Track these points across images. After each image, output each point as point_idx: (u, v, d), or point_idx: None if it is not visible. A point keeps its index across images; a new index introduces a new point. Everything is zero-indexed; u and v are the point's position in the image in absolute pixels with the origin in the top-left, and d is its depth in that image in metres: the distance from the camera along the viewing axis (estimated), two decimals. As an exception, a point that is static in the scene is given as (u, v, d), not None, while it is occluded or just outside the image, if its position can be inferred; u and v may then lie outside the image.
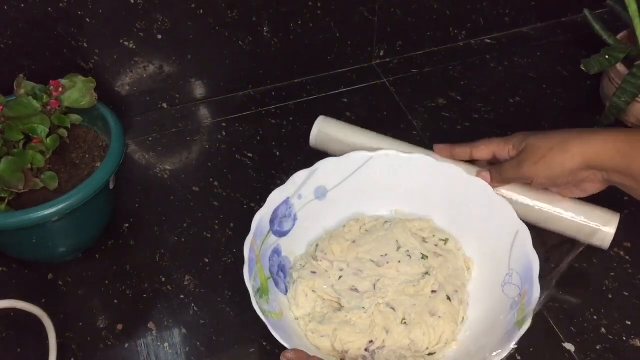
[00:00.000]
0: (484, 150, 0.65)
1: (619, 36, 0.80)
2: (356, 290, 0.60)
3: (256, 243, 0.59)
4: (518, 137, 0.62)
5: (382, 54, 0.90)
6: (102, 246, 0.68)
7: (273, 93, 0.86)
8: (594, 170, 0.58)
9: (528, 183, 0.62)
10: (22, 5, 0.68)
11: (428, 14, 0.88)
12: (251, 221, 0.70)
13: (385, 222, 0.66)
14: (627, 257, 0.66)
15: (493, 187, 0.63)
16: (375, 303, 0.59)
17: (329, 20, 0.83)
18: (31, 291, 0.64)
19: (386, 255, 0.62)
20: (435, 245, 0.64)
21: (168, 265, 0.66)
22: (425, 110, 0.83)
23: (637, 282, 0.64)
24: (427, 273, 0.61)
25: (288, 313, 0.59)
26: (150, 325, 0.62)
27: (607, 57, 0.75)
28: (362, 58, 0.89)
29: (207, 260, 0.67)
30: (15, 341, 0.60)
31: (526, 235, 0.59)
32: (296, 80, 0.88)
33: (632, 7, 0.75)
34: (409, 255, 0.62)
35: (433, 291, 0.60)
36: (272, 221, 0.62)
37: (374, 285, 0.60)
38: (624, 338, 0.60)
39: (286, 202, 0.63)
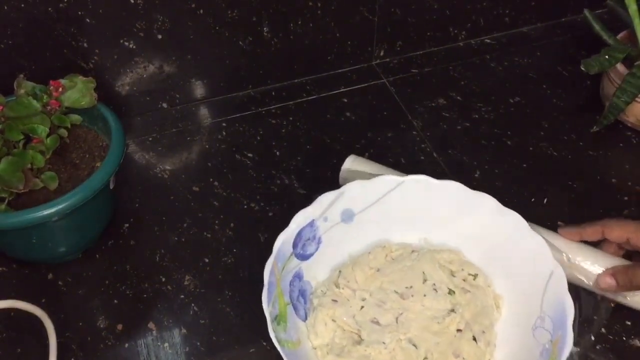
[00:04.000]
0: (617, 231, 0.58)
1: (619, 36, 0.80)
2: (377, 322, 0.57)
3: (277, 266, 0.56)
4: None
5: (382, 54, 0.90)
6: (102, 246, 0.68)
7: (273, 93, 0.86)
8: None
9: None
10: (22, 5, 0.68)
11: (428, 14, 0.88)
12: (251, 221, 0.70)
13: (413, 251, 0.63)
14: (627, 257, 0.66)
15: (616, 292, 0.57)
16: (396, 338, 0.55)
17: (329, 20, 0.83)
18: (31, 291, 0.64)
19: (411, 287, 0.59)
20: (464, 280, 0.60)
21: (168, 265, 0.66)
22: (425, 110, 0.83)
23: (637, 282, 0.64)
24: (453, 310, 0.57)
25: (306, 341, 0.57)
26: (150, 325, 0.62)
27: (607, 57, 0.75)
28: (362, 58, 0.89)
29: (207, 260, 0.67)
30: (15, 341, 0.60)
31: (561, 278, 0.55)
32: (296, 80, 0.88)
33: (632, 7, 0.75)
34: (435, 289, 0.59)
35: (458, 330, 0.57)
36: (295, 244, 0.59)
37: (397, 319, 0.57)
38: (624, 338, 0.60)
39: (311, 224, 0.60)
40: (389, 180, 0.62)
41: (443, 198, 0.62)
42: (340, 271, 0.61)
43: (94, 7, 0.71)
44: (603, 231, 0.59)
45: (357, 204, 0.62)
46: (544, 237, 0.58)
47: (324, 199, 0.61)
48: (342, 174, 0.69)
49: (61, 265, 0.66)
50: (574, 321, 0.53)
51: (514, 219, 0.59)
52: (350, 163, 0.69)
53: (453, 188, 0.62)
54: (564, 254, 0.60)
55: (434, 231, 0.64)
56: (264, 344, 0.60)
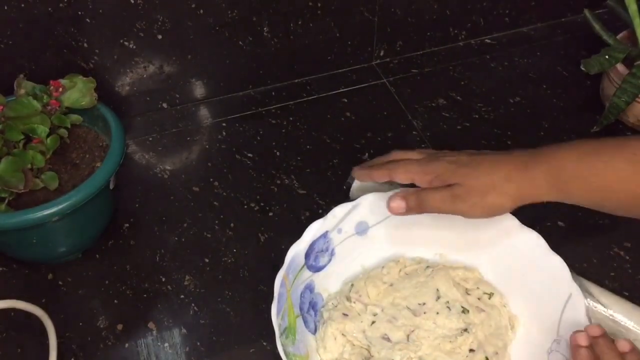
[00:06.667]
0: (403, 175, 0.58)
1: (619, 36, 0.80)
2: (388, 339, 0.56)
3: (288, 278, 0.55)
4: (443, 169, 0.56)
5: (382, 54, 0.90)
6: (102, 246, 0.68)
7: (273, 93, 0.86)
8: (533, 201, 0.55)
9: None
10: (22, 5, 0.68)
11: (428, 14, 0.88)
12: (251, 221, 0.70)
13: (427, 267, 0.61)
14: (627, 257, 0.66)
15: (403, 213, 0.57)
16: (406, 356, 0.54)
17: (329, 20, 0.83)
18: (31, 291, 0.64)
19: (424, 304, 0.58)
20: (479, 299, 0.59)
21: (168, 265, 0.66)
22: (425, 110, 0.83)
23: (637, 282, 0.64)
24: (466, 330, 0.56)
25: (314, 355, 0.56)
26: (150, 325, 0.62)
27: (607, 57, 0.76)
28: (362, 58, 0.89)
29: (207, 260, 0.67)
30: (15, 341, 0.60)
31: (580, 301, 0.54)
32: (296, 80, 0.88)
33: (632, 7, 0.75)
34: (449, 307, 0.57)
35: (471, 350, 0.55)
36: (307, 255, 0.58)
37: (408, 337, 0.56)
38: (624, 338, 0.59)
39: (324, 235, 0.59)
40: None
41: None
42: (352, 284, 0.60)
43: (94, 7, 0.71)
44: (390, 174, 0.59)
45: (372, 216, 0.61)
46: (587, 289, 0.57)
47: (338, 211, 0.60)
48: (352, 190, 0.67)
49: (61, 265, 0.66)
50: None
51: (533, 238, 0.58)
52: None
53: None
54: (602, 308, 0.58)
55: (450, 247, 0.62)
56: (264, 344, 0.60)
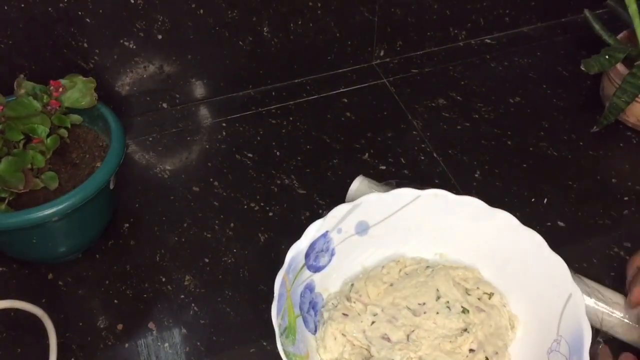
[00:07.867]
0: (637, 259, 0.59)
1: (619, 36, 0.80)
2: (388, 339, 0.56)
3: (288, 278, 0.55)
4: None
5: (382, 54, 0.90)
6: (102, 246, 0.68)
7: (273, 93, 0.86)
8: None
9: None
10: (22, 5, 0.68)
11: (428, 14, 0.88)
12: (251, 221, 0.70)
13: (427, 266, 0.61)
14: (627, 257, 0.66)
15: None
16: (406, 356, 0.54)
17: (329, 20, 0.83)
18: (31, 291, 0.64)
19: (424, 304, 0.58)
20: (479, 299, 0.59)
21: (168, 265, 0.66)
22: (425, 110, 0.83)
23: (637, 282, 0.64)
24: (466, 329, 0.56)
25: (315, 355, 0.56)
26: (150, 325, 0.62)
27: (607, 57, 0.75)
28: (362, 58, 0.89)
29: (207, 260, 0.67)
30: (15, 341, 0.60)
31: (579, 301, 0.54)
32: (296, 80, 0.88)
33: (632, 7, 0.75)
34: (449, 307, 0.57)
35: (471, 350, 0.55)
36: (307, 255, 0.58)
37: (408, 336, 0.56)
38: None
39: (324, 235, 0.59)
40: (406, 193, 0.61)
41: (460, 213, 0.61)
42: (352, 284, 0.60)
43: (94, 7, 0.71)
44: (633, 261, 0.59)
45: (372, 216, 0.61)
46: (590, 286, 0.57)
47: (339, 211, 0.59)
48: (350, 191, 0.67)
49: (61, 265, 0.66)
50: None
51: (533, 238, 0.58)
52: (358, 184, 0.67)
53: (471, 203, 0.60)
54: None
55: (450, 247, 0.62)
56: (264, 344, 0.60)
